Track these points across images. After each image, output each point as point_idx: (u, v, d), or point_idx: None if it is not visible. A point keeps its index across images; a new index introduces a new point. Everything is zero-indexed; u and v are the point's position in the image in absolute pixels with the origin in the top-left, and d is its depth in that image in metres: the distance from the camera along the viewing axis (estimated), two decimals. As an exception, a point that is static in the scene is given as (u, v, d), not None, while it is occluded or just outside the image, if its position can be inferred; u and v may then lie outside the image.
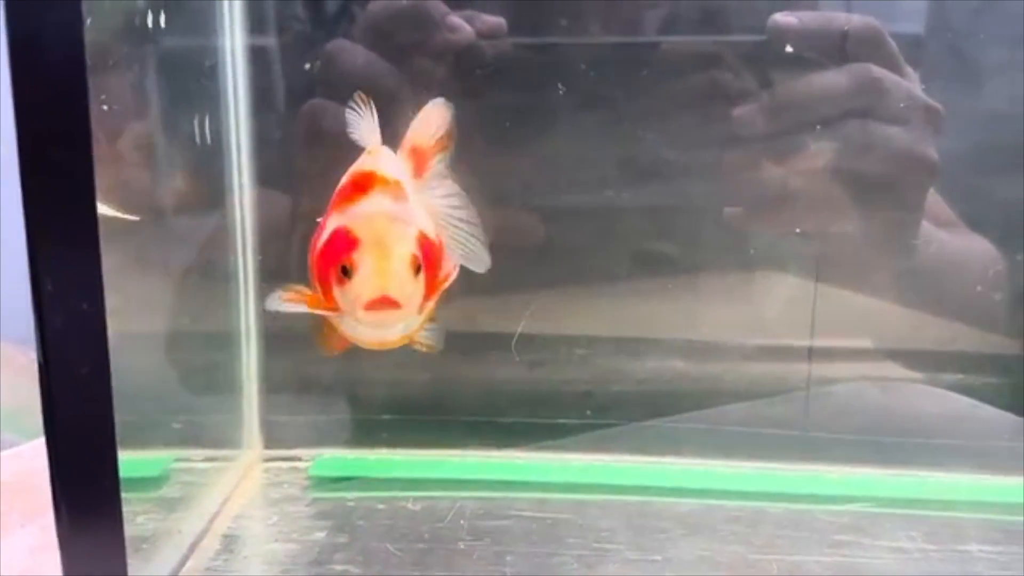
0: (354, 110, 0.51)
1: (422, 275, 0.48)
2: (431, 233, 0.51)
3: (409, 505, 0.62)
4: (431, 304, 0.52)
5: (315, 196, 0.54)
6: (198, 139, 0.62)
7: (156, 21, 0.56)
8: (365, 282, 0.46)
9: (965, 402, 0.70)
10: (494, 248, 0.52)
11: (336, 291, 0.48)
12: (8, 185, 0.39)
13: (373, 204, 0.49)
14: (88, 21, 0.37)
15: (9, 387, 0.92)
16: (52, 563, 0.41)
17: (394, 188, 0.50)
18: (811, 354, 0.70)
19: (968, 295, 0.68)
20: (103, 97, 0.49)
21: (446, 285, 0.52)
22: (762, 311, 0.70)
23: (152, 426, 0.61)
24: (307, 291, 0.51)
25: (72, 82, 0.36)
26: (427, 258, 0.49)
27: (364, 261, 0.47)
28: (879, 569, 0.55)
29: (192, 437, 0.65)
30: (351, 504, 0.63)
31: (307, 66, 0.65)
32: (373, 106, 0.52)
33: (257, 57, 0.66)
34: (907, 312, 0.69)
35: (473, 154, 0.65)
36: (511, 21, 0.64)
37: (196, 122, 0.62)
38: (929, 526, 0.60)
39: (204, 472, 0.65)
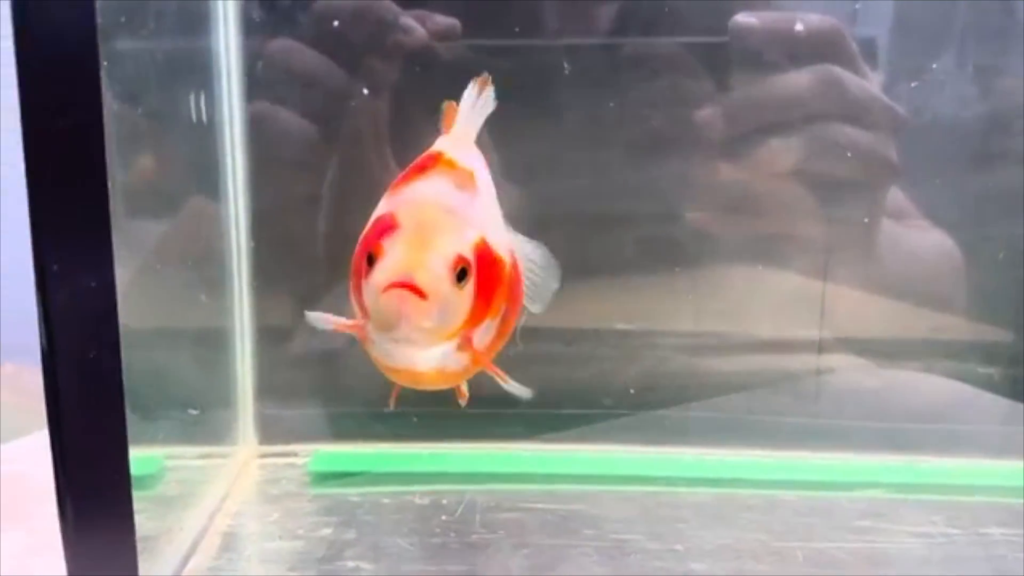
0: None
1: (470, 286, 0.39)
2: (500, 248, 0.41)
3: (416, 499, 0.60)
4: (485, 346, 0.42)
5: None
6: (193, 121, 0.59)
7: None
8: (387, 267, 0.37)
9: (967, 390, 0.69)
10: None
11: (364, 287, 0.38)
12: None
13: (428, 187, 0.40)
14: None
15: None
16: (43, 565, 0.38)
17: (460, 174, 0.41)
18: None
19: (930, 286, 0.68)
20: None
21: (512, 328, 0.43)
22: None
23: (144, 423, 0.58)
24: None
25: (82, 50, 0.33)
26: (483, 270, 0.39)
27: (394, 246, 0.37)
28: (906, 554, 0.54)
29: (186, 434, 0.63)
30: (355, 499, 0.60)
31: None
32: (486, 96, 0.45)
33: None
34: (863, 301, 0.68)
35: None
36: (465, 22, 0.62)
37: (192, 104, 0.59)
38: (948, 511, 0.59)
39: (200, 469, 0.63)
